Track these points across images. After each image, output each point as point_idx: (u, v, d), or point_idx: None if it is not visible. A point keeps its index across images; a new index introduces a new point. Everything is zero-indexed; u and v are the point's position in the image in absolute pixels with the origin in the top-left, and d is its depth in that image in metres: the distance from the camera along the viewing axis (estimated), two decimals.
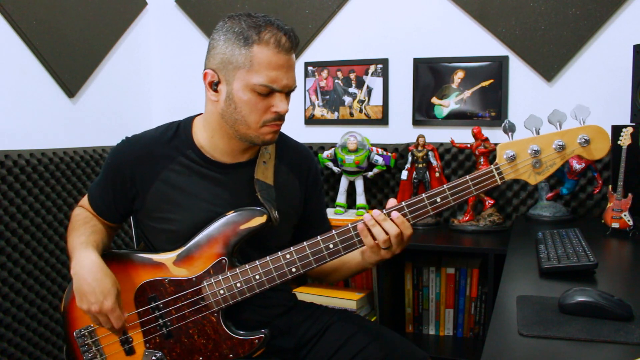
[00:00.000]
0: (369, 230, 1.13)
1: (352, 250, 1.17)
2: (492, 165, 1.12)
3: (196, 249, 1.22)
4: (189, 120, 1.31)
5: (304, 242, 1.18)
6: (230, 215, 1.22)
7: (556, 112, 1.11)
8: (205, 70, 1.20)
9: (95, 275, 1.14)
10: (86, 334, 1.25)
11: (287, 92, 1.20)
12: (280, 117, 1.19)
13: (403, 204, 1.15)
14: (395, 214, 1.13)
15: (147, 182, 1.25)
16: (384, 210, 1.14)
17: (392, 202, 1.16)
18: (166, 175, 1.25)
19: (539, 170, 1.11)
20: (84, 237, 1.23)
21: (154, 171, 1.25)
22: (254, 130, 1.19)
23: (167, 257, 1.23)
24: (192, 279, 1.21)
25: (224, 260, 1.20)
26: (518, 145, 1.11)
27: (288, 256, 1.18)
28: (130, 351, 1.24)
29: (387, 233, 1.12)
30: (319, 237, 1.17)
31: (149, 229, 1.29)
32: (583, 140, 1.08)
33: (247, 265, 1.19)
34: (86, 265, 1.16)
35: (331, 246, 1.17)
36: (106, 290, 1.14)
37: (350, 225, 1.16)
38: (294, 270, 1.18)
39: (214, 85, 1.19)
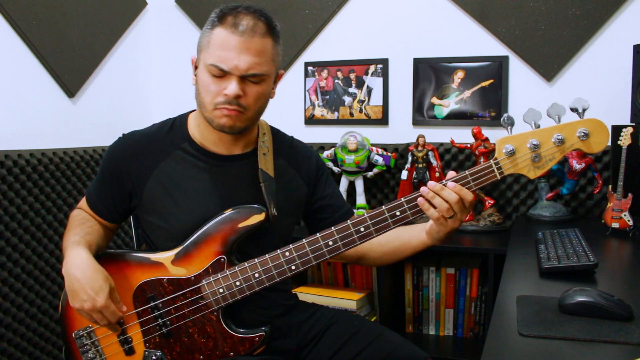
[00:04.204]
0: (430, 202, 1.12)
1: (352, 247, 1.16)
2: (491, 160, 1.12)
3: (194, 247, 1.21)
4: (185, 115, 1.32)
5: (303, 240, 1.18)
6: (228, 213, 1.21)
7: (555, 105, 1.10)
8: (192, 56, 1.24)
9: (85, 273, 1.13)
10: (85, 334, 1.25)
11: (244, 76, 1.15)
12: (230, 101, 1.15)
13: (402, 200, 1.14)
14: (451, 184, 1.11)
15: (144, 177, 1.25)
16: (442, 181, 1.12)
17: (451, 174, 1.13)
18: (162, 169, 1.25)
19: (538, 164, 1.10)
20: (77, 237, 1.22)
21: (151, 166, 1.25)
22: (209, 113, 1.19)
23: (165, 257, 1.23)
24: (190, 278, 1.20)
25: (222, 259, 1.20)
26: (517, 140, 1.10)
27: (287, 254, 1.18)
28: (130, 351, 1.23)
29: (447, 201, 1.11)
30: (318, 234, 1.17)
31: (148, 225, 1.29)
32: (582, 133, 1.07)
33: (246, 264, 1.19)
34: (76, 263, 1.15)
35: (330, 243, 1.16)
36: (97, 286, 1.13)
37: (349, 222, 1.16)
38: (293, 267, 1.18)
39: (195, 71, 1.23)
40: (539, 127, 1.11)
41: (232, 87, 1.14)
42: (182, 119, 1.31)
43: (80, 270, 1.14)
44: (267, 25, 1.16)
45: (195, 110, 1.31)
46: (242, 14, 1.15)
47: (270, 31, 1.17)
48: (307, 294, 2.15)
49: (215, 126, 1.20)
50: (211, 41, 1.16)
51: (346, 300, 2.08)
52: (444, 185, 1.11)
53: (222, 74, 1.15)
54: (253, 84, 1.17)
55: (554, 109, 1.10)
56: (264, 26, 1.16)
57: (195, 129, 1.28)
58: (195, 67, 1.22)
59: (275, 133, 1.38)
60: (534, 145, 1.09)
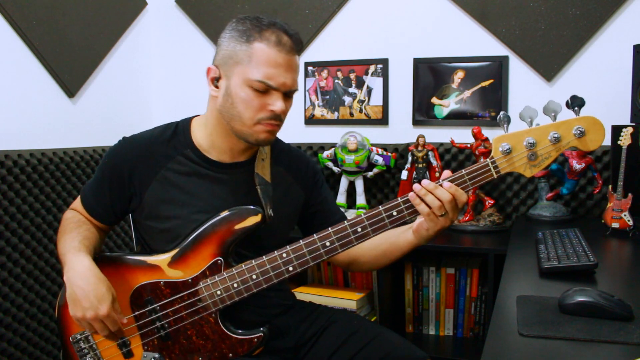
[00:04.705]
0: (421, 199, 1.12)
1: (349, 247, 1.16)
2: (487, 159, 1.12)
3: (191, 249, 1.21)
4: (187, 121, 1.31)
5: (301, 241, 1.18)
6: (225, 214, 1.21)
7: (551, 102, 1.09)
8: (209, 66, 1.22)
9: (89, 281, 1.12)
10: (82, 338, 1.24)
11: (286, 92, 1.19)
12: (275, 117, 1.18)
13: (399, 199, 1.15)
14: (447, 184, 1.11)
15: (145, 181, 1.25)
16: (438, 181, 1.13)
17: (446, 173, 1.15)
18: (164, 174, 1.25)
19: (534, 162, 1.10)
20: (75, 241, 1.20)
21: (153, 170, 1.25)
22: (248, 128, 1.19)
23: (161, 259, 1.22)
24: (188, 281, 1.20)
25: (219, 261, 1.20)
26: (513, 138, 1.10)
27: (285, 255, 1.18)
28: (128, 354, 1.23)
29: (440, 200, 1.11)
30: (315, 235, 1.17)
31: (146, 229, 1.28)
32: (578, 131, 1.07)
33: (243, 265, 1.19)
34: (79, 271, 1.13)
35: (328, 244, 1.16)
36: (100, 295, 1.11)
37: (347, 223, 1.16)
38: (290, 269, 1.18)
39: (215, 81, 1.21)
40: (537, 125, 1.11)
41: (279, 103, 1.17)
42: (185, 125, 1.30)
43: (83, 278, 1.12)
44: (300, 43, 1.21)
45: (197, 116, 1.31)
46: (281, 31, 1.17)
47: (300, 48, 1.21)
48: (307, 294, 2.14)
49: (253, 140, 1.21)
50: (253, 56, 1.15)
51: (346, 300, 2.08)
52: (439, 184, 1.12)
53: (266, 89, 1.16)
54: (288, 99, 1.21)
55: (550, 106, 1.10)
56: (298, 44, 1.20)
57: (202, 137, 1.27)
58: (217, 79, 1.21)
59: (275, 140, 1.38)
60: (530, 143, 1.09)
